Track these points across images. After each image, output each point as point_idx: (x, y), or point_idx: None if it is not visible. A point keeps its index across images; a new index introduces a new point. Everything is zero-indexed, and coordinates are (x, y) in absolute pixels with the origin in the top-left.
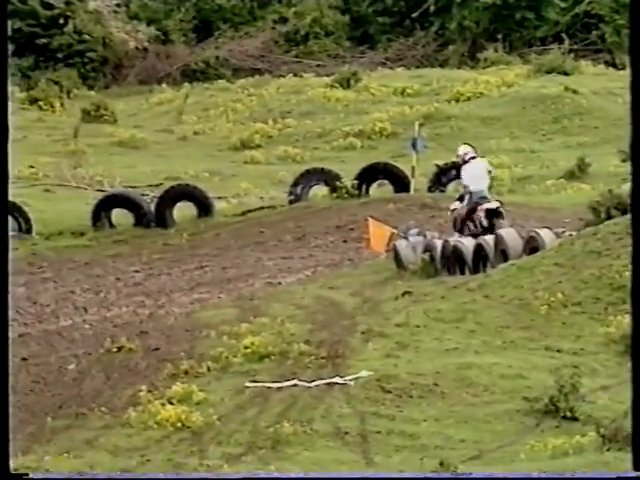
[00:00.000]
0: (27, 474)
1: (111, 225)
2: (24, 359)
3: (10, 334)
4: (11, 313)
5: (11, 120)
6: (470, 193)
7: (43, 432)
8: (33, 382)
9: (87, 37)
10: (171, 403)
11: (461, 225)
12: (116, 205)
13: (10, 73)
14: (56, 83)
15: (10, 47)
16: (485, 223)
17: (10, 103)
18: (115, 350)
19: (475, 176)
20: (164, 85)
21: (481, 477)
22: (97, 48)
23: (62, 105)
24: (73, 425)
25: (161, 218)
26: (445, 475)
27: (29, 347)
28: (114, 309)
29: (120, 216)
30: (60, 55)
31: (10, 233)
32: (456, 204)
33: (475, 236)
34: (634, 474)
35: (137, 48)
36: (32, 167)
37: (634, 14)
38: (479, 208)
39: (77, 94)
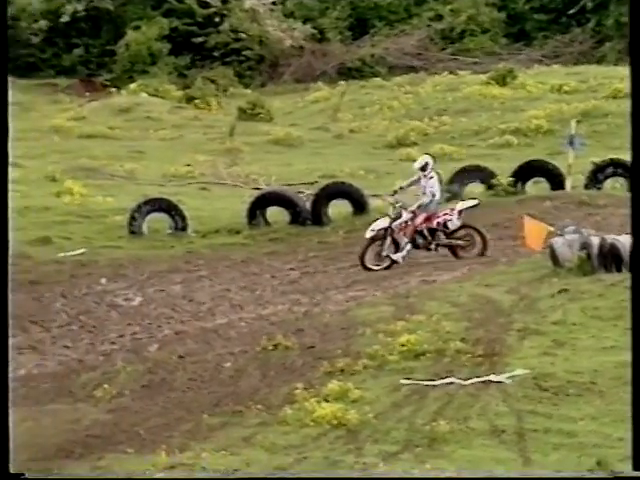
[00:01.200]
0: (24, 474)
1: (267, 223)
2: (181, 357)
3: (167, 331)
4: (168, 311)
5: (168, 118)
6: (432, 201)
7: (200, 429)
8: (190, 380)
9: (243, 35)
10: (327, 401)
11: (413, 234)
12: (272, 203)
13: (167, 72)
14: (212, 81)
15: (167, 46)
16: (456, 224)
17: (167, 102)
18: (271, 348)
19: (438, 186)
20: (320, 83)
21: (477, 477)
22: (253, 46)
23: (218, 103)
24: (230, 422)
25: (316, 216)
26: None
27: (186, 345)
28: (270, 307)
29: (276, 214)
30: (216, 53)
31: (167, 231)
32: (381, 223)
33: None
34: (634, 474)
35: (293, 46)
36: (188, 165)
37: (634, 14)
38: (443, 212)
39: (233, 92)
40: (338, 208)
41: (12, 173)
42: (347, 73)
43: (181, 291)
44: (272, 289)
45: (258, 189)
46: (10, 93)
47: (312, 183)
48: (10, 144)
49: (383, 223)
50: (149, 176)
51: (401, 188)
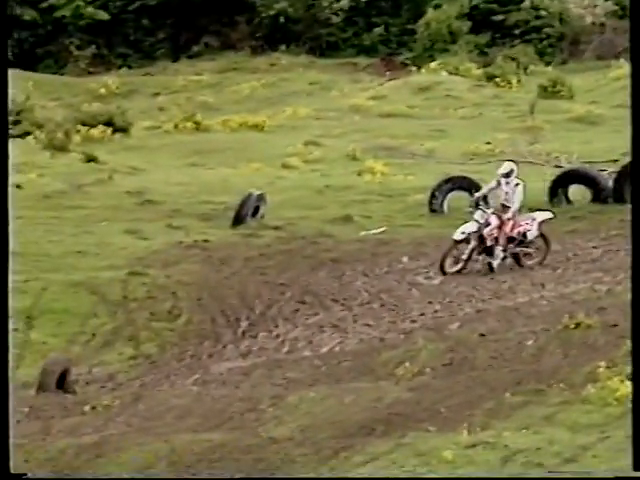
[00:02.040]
0: (26, 474)
1: (568, 201)
2: (482, 335)
3: (468, 310)
4: (468, 289)
5: (468, 97)
6: (518, 209)
7: (502, 408)
8: (491, 358)
9: (544, 13)
10: (630, 379)
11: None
12: (574, 181)
13: (467, 50)
14: (513, 59)
15: (467, 24)
16: (534, 234)
17: (467, 80)
18: (573, 326)
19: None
20: (621, 60)
21: (483, 477)
22: (554, 24)
23: (519, 81)
24: (531, 401)
25: (619, 194)
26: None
27: (487, 323)
28: (571, 285)
29: (577, 192)
30: (516, 31)
31: (467, 209)
32: (471, 227)
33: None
34: (634, 474)
35: (594, 23)
36: (489, 143)
37: (634, 14)
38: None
39: (533, 70)
40: None
41: (313, 152)
42: None
43: (483, 269)
44: (574, 267)
45: (559, 167)
46: (311, 73)
47: (614, 161)
48: (310, 123)
49: (472, 227)
50: (449, 154)
51: (484, 196)
